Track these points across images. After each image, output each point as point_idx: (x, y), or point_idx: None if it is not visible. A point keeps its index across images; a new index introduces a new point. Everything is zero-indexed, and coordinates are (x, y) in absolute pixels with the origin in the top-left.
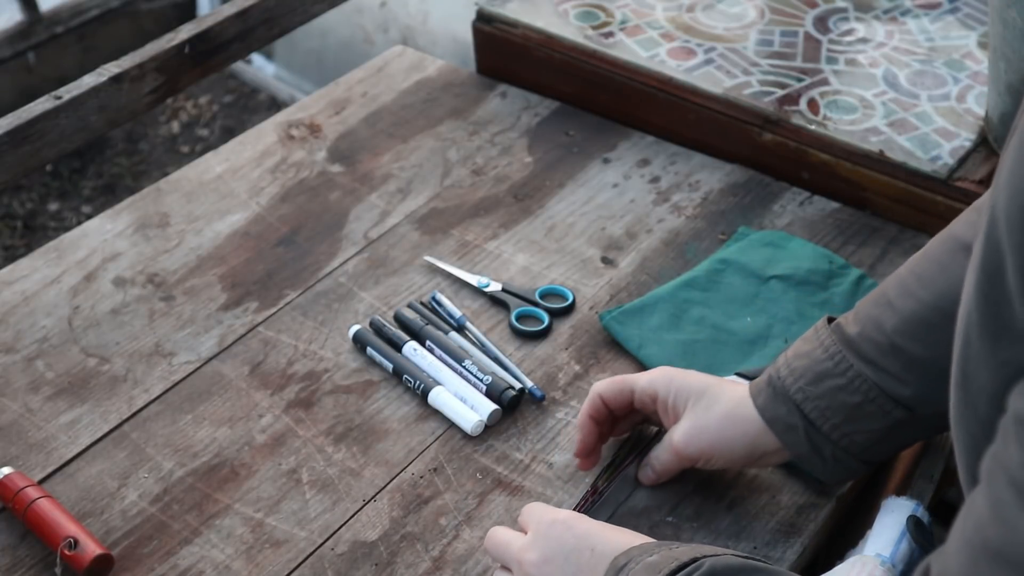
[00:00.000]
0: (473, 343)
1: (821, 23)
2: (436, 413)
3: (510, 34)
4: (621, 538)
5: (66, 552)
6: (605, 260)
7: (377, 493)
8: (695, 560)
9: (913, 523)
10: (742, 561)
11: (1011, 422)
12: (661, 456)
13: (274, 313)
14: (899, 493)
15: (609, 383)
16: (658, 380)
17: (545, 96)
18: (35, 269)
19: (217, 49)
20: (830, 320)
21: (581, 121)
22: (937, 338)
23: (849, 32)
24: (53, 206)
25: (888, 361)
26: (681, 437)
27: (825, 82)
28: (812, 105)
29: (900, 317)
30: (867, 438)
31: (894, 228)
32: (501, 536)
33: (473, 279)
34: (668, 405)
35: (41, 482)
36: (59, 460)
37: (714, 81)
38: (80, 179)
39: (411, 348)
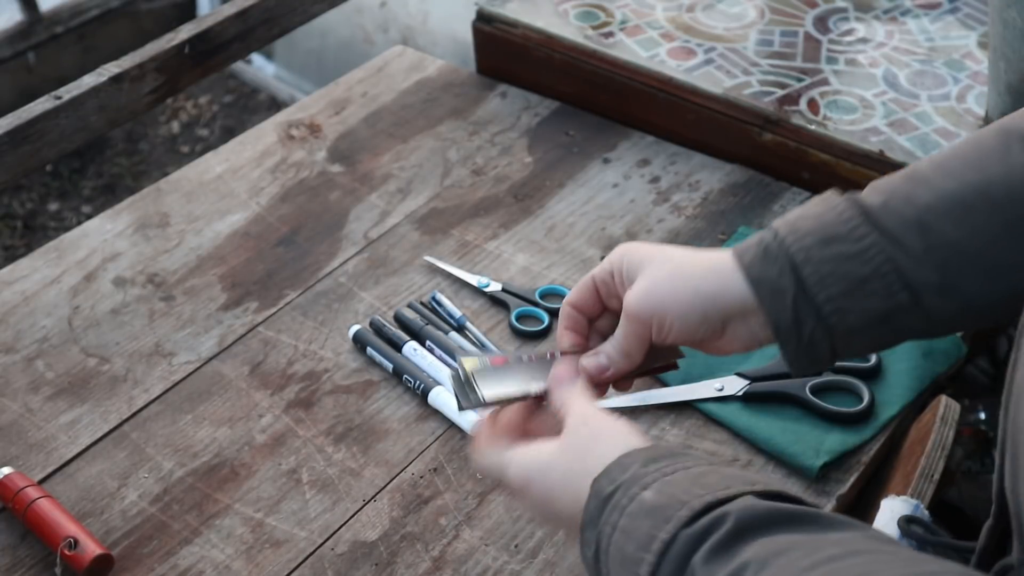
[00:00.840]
0: (473, 343)
1: (821, 23)
2: (436, 413)
3: (510, 34)
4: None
5: (66, 552)
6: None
7: (377, 493)
8: (709, 507)
9: (905, 520)
10: (775, 508)
11: None
12: (616, 340)
13: (274, 313)
14: (899, 493)
15: (575, 290)
16: (612, 255)
17: (545, 96)
18: (35, 269)
19: (217, 49)
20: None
21: (581, 121)
22: (974, 222)
23: (849, 32)
24: (53, 206)
25: (911, 237)
26: (633, 293)
27: (825, 82)
28: (812, 105)
29: (937, 194)
30: (858, 320)
31: None
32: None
33: (473, 279)
34: (624, 275)
35: (41, 482)
36: (59, 460)
37: (714, 81)
38: (80, 179)
39: (411, 348)
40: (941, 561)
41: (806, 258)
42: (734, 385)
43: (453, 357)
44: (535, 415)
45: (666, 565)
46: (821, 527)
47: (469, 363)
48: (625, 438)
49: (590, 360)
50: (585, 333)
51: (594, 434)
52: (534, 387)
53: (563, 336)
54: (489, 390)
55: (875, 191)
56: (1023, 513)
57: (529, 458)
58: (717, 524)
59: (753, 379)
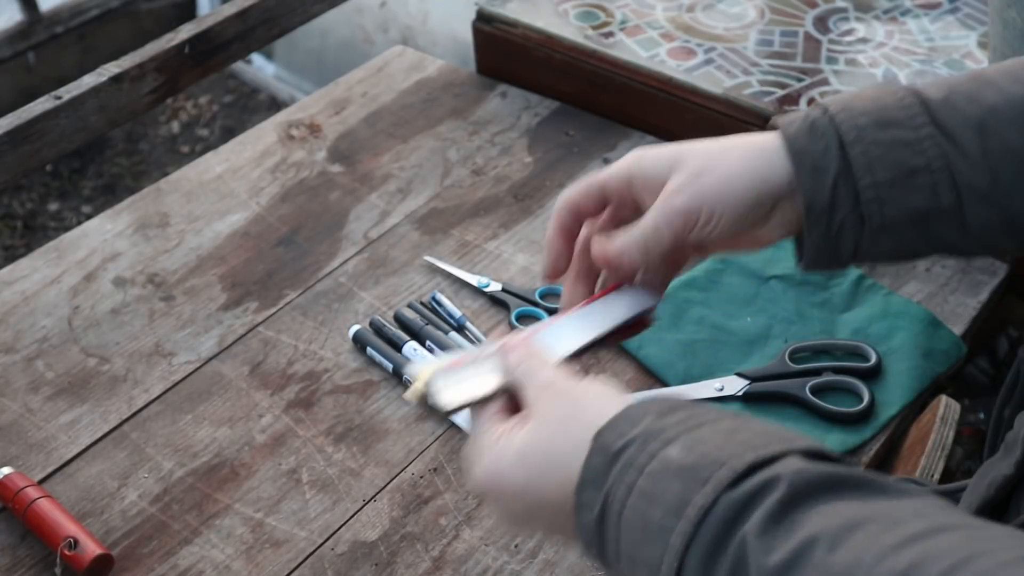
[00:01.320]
0: (473, 343)
1: (821, 23)
2: (436, 413)
3: (510, 34)
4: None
5: (66, 552)
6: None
7: (377, 493)
8: (752, 468)
9: None
10: (829, 471)
11: None
12: (645, 224)
13: (274, 313)
14: None
15: (575, 187)
16: (626, 161)
17: (545, 96)
18: (35, 269)
19: (217, 49)
20: None
21: (581, 121)
22: None
23: (849, 32)
24: (53, 206)
25: (968, 137)
26: (676, 186)
27: (825, 82)
28: (812, 105)
29: (1004, 97)
30: (896, 214)
31: None
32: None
33: (473, 279)
34: (645, 178)
35: (41, 482)
36: (59, 460)
37: (714, 81)
38: (80, 179)
39: (411, 348)
40: None
41: (857, 137)
42: (734, 385)
43: None
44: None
45: (704, 533)
46: (885, 494)
47: (424, 373)
48: (610, 395)
49: (608, 242)
50: (574, 240)
51: (571, 399)
52: (497, 380)
53: (554, 241)
54: (449, 396)
55: (936, 86)
56: None
57: (496, 452)
58: (767, 489)
59: (753, 379)
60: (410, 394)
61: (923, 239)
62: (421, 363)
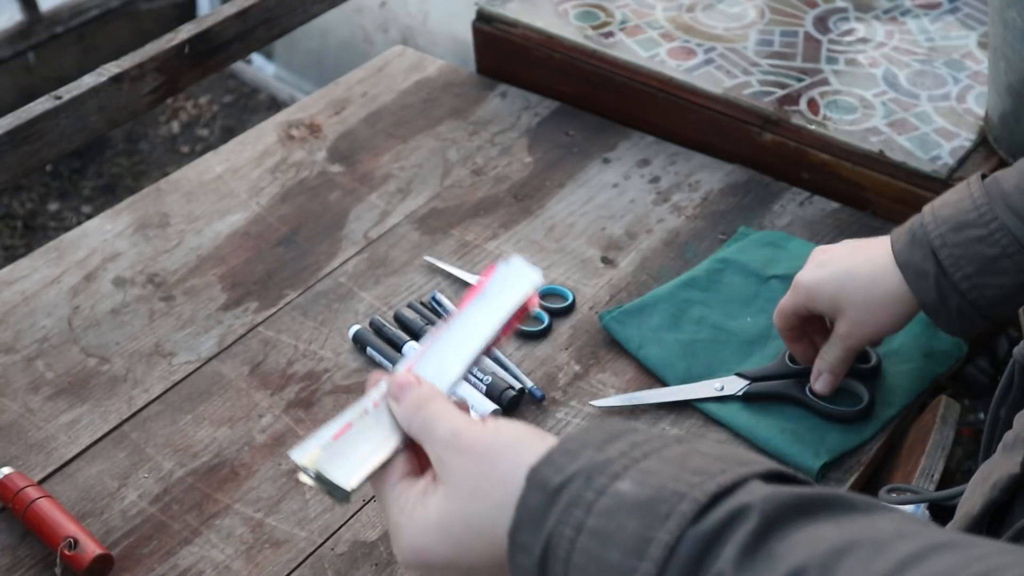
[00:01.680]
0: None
1: (821, 23)
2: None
3: (510, 34)
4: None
5: (66, 552)
6: (605, 260)
7: None
8: (716, 498)
9: None
10: (799, 494)
11: None
12: (831, 353)
13: (274, 313)
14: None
15: (778, 318)
16: (799, 292)
17: (545, 96)
18: (35, 269)
19: (217, 49)
20: (983, 177)
21: (581, 121)
22: None
23: (849, 32)
24: (53, 206)
25: None
26: (849, 326)
27: (825, 82)
28: (812, 105)
29: None
30: (997, 294)
31: (894, 228)
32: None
33: (473, 279)
34: (821, 310)
35: (41, 482)
36: (59, 460)
37: (714, 81)
38: (80, 179)
39: (411, 348)
40: None
41: (942, 243)
42: (734, 385)
43: None
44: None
45: (671, 573)
46: (856, 511)
47: (310, 459)
48: (520, 438)
49: (819, 383)
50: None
51: (480, 455)
52: (394, 438)
53: (793, 344)
54: (348, 473)
55: (1014, 172)
56: None
57: (415, 526)
58: (736, 519)
59: (753, 379)
60: (304, 478)
61: None
62: (304, 445)
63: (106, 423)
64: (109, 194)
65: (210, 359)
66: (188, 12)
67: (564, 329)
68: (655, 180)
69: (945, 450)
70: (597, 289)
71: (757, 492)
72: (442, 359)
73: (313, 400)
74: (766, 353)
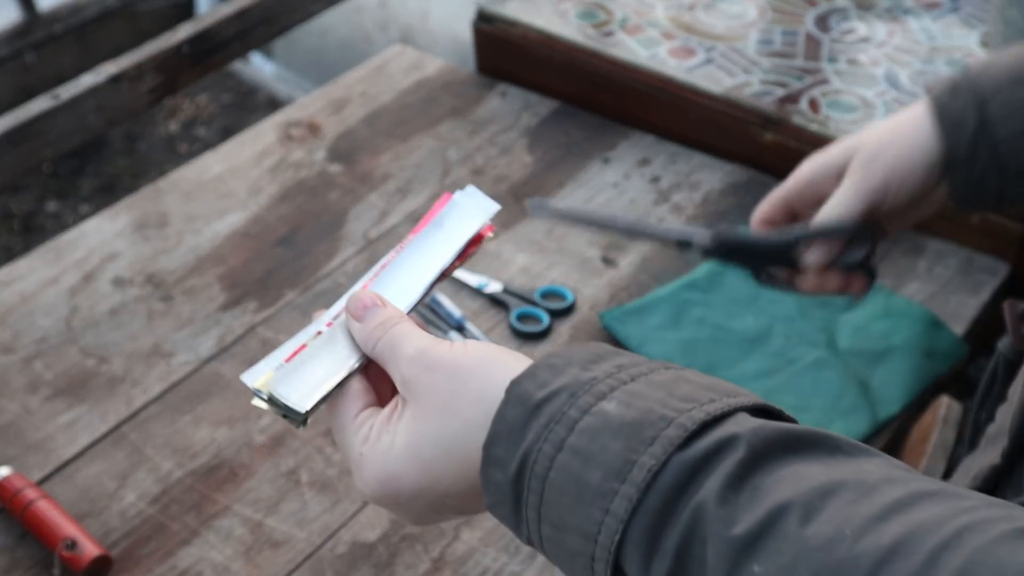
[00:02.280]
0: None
1: (822, 22)
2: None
3: (510, 33)
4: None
5: (64, 553)
6: (605, 260)
7: None
8: (704, 426)
9: None
10: (787, 430)
11: None
12: (842, 195)
13: (273, 313)
14: None
15: (763, 204)
16: (802, 167)
17: (545, 96)
18: (33, 269)
19: (216, 48)
20: None
21: (581, 121)
22: None
23: (850, 31)
24: (51, 206)
25: None
26: (860, 164)
27: (826, 81)
28: (813, 104)
29: None
30: None
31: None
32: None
33: (473, 279)
34: (831, 169)
35: (40, 483)
36: (58, 461)
37: (715, 80)
38: (78, 179)
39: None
40: (1019, 508)
41: (994, 93)
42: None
43: None
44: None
45: (652, 498)
46: (843, 453)
47: (263, 382)
48: (491, 355)
49: (814, 254)
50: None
51: (449, 372)
52: (351, 359)
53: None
54: (303, 395)
55: None
56: None
57: (381, 452)
58: (723, 449)
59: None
60: (257, 403)
61: None
62: (256, 368)
63: (105, 423)
64: (108, 194)
65: (209, 359)
66: (187, 12)
67: (564, 329)
68: (655, 180)
69: (946, 451)
70: (597, 289)
71: (746, 424)
72: (396, 284)
73: None
74: (767, 352)
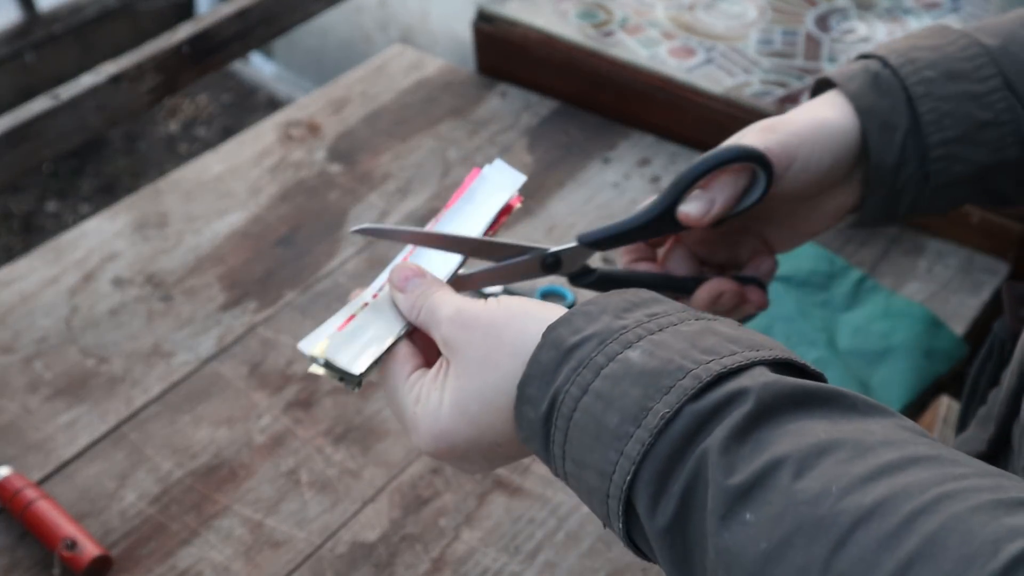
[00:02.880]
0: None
1: (822, 22)
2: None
3: (510, 33)
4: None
5: (64, 553)
6: (606, 260)
7: (376, 494)
8: (719, 378)
9: None
10: (799, 386)
11: None
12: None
13: (273, 313)
14: None
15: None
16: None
17: (545, 96)
18: (33, 269)
19: (216, 48)
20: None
21: (581, 121)
22: None
23: (850, 31)
24: (51, 206)
25: None
26: (764, 124)
27: None
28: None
29: None
30: (962, 172)
31: (894, 228)
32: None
33: None
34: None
35: (40, 483)
36: (57, 461)
37: (715, 80)
38: (78, 179)
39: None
40: (1012, 478)
41: (926, 92)
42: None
43: None
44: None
45: (663, 443)
46: (855, 411)
47: (320, 348)
48: (526, 309)
49: (691, 204)
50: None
51: (484, 329)
52: (398, 326)
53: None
54: (356, 359)
55: (989, 32)
56: None
57: (431, 412)
58: (733, 401)
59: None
60: (315, 369)
61: (979, 193)
62: (311, 336)
63: (105, 423)
64: (107, 194)
65: (209, 359)
66: (187, 12)
67: None
68: (655, 180)
69: None
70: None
71: (759, 378)
72: (434, 255)
73: (312, 400)
74: None
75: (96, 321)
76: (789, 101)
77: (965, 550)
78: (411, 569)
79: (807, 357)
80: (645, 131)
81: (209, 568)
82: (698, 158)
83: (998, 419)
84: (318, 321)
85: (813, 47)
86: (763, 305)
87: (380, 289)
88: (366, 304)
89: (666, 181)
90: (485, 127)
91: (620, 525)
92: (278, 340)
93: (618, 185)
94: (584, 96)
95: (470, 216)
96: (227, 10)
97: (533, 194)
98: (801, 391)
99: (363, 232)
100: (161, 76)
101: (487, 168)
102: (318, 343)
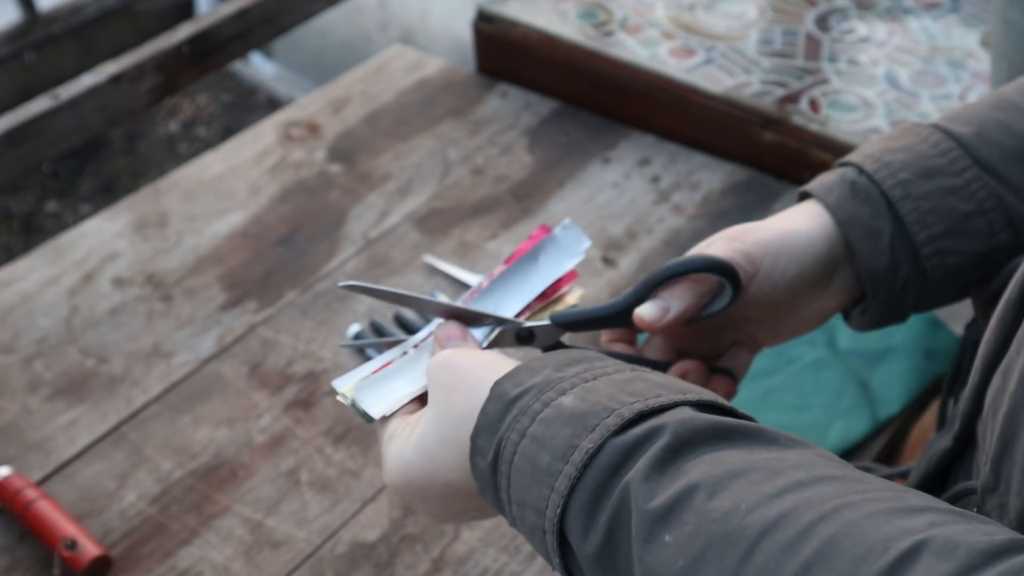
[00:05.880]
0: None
1: (822, 22)
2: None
3: (510, 33)
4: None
5: (64, 553)
6: (606, 260)
7: (376, 494)
8: (641, 416)
9: None
10: (716, 421)
11: None
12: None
13: (273, 313)
14: None
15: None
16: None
17: (545, 96)
18: (33, 269)
19: (216, 48)
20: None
21: (581, 121)
22: None
23: (850, 31)
24: (51, 206)
25: (1013, 169)
26: (730, 233)
27: (826, 81)
28: (813, 104)
29: None
30: (959, 263)
31: None
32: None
33: (473, 279)
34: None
35: (40, 483)
36: (57, 461)
37: (715, 80)
38: (78, 179)
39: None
40: (918, 494)
41: (904, 194)
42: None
43: None
44: None
45: (589, 477)
46: (770, 444)
47: (348, 388)
48: (497, 359)
49: (646, 308)
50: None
51: (454, 372)
52: (424, 380)
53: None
54: (377, 406)
55: (961, 120)
56: (1020, 431)
57: (399, 448)
58: (652, 436)
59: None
60: (341, 399)
61: (982, 276)
62: (347, 376)
63: (105, 423)
64: (107, 194)
65: (209, 359)
66: (187, 12)
67: None
68: (655, 180)
69: None
70: (598, 289)
71: (679, 415)
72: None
73: (312, 400)
74: (767, 351)
75: (96, 321)
76: (789, 101)
77: (858, 550)
78: (411, 569)
79: (807, 357)
80: (645, 131)
81: (209, 568)
82: (667, 263)
83: (963, 416)
84: (318, 321)
85: (813, 47)
86: (731, 393)
87: (422, 341)
88: (405, 353)
89: (666, 181)
90: (485, 127)
91: (557, 559)
92: (278, 340)
93: (618, 185)
94: (584, 96)
95: (529, 276)
96: (227, 10)
97: (533, 194)
98: (720, 426)
99: (350, 288)
100: (161, 76)
101: (558, 230)
102: (349, 383)
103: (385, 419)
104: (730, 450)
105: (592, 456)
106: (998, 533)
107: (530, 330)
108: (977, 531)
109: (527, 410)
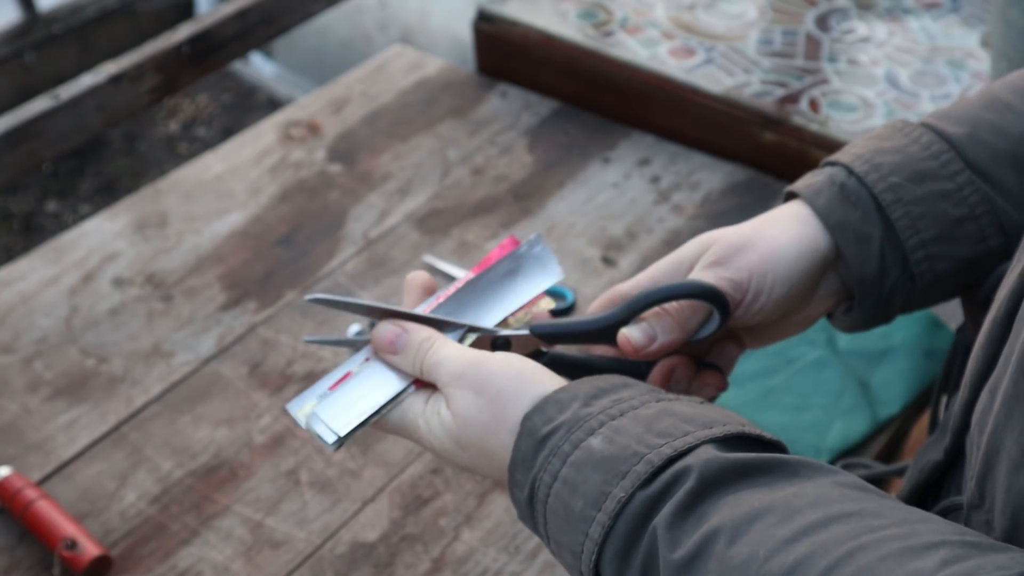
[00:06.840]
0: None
1: (822, 22)
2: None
3: (510, 33)
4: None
5: (64, 553)
6: (605, 260)
7: (376, 494)
8: (669, 462)
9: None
10: (739, 460)
11: None
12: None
13: (273, 313)
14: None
15: (604, 303)
16: (651, 267)
17: (545, 96)
18: (33, 269)
19: (216, 48)
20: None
21: (581, 121)
22: None
23: (850, 31)
24: (51, 206)
25: (1005, 173)
26: (715, 257)
27: (826, 81)
28: (813, 104)
29: None
30: (947, 268)
31: None
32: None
33: None
34: (682, 266)
35: (40, 483)
36: (57, 461)
37: (715, 80)
38: (78, 179)
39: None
40: (931, 522)
41: (895, 198)
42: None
43: None
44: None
45: (620, 526)
46: (792, 476)
47: (302, 412)
48: (523, 377)
49: (633, 331)
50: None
51: (488, 398)
52: (395, 384)
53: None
54: (341, 421)
55: (953, 120)
56: (1002, 452)
57: (435, 436)
58: (678, 481)
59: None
60: (300, 424)
61: (971, 281)
62: (300, 396)
63: (105, 423)
64: (107, 194)
65: (209, 359)
66: (187, 12)
67: None
68: (655, 180)
69: None
70: (598, 289)
71: (703, 456)
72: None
73: None
74: (767, 351)
75: (96, 321)
76: (789, 101)
77: None
78: (411, 569)
79: (807, 357)
80: (645, 131)
81: (209, 568)
82: (656, 287)
83: (953, 431)
84: (318, 321)
85: (813, 47)
86: (722, 388)
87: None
88: (367, 360)
89: (666, 181)
90: (485, 127)
91: None
92: (278, 340)
93: (618, 185)
94: (584, 96)
95: (503, 291)
96: (227, 10)
97: (533, 194)
98: (743, 464)
99: (317, 301)
100: (161, 76)
101: (525, 246)
102: (304, 406)
103: (348, 437)
104: (751, 490)
105: (624, 505)
106: (1011, 566)
107: (507, 339)
108: (989, 565)
109: (557, 451)
